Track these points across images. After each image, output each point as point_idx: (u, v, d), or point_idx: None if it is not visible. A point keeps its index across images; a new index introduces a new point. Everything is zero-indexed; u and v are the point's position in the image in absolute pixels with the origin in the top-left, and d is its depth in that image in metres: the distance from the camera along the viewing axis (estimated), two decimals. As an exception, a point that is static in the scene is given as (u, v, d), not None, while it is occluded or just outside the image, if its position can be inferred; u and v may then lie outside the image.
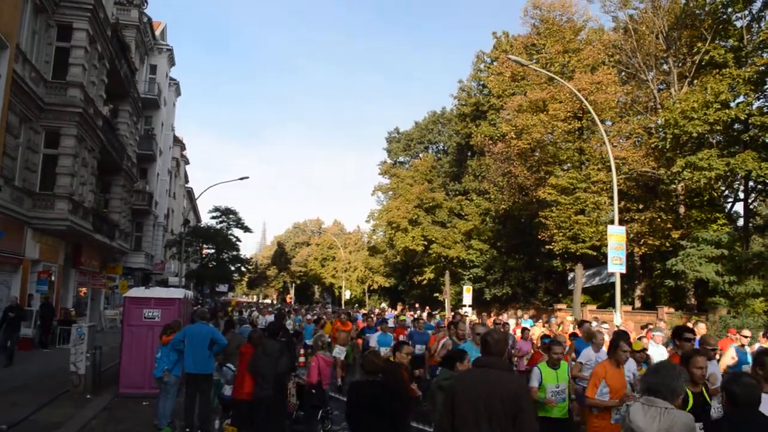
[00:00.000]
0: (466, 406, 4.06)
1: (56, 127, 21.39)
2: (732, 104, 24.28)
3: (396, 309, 39.15)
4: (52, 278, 22.42)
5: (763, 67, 23.53)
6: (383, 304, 56.23)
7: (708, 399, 5.51)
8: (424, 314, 21.92)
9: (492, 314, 29.76)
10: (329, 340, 15.23)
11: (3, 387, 12.64)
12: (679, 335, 6.81)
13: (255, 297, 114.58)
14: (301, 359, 12.01)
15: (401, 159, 58.97)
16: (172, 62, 45.62)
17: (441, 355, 8.92)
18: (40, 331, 19.94)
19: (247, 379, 8.26)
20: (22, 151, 19.81)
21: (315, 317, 21.46)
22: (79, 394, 12.03)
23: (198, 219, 71.36)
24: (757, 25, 25.17)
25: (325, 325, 17.40)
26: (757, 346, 10.45)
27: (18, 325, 16.77)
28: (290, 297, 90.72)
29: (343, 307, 49.85)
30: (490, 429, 3.94)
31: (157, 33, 42.45)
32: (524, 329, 13.47)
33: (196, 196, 63.80)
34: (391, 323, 17.20)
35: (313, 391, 8.70)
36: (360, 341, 14.56)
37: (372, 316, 18.70)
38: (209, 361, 9.83)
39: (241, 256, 49.14)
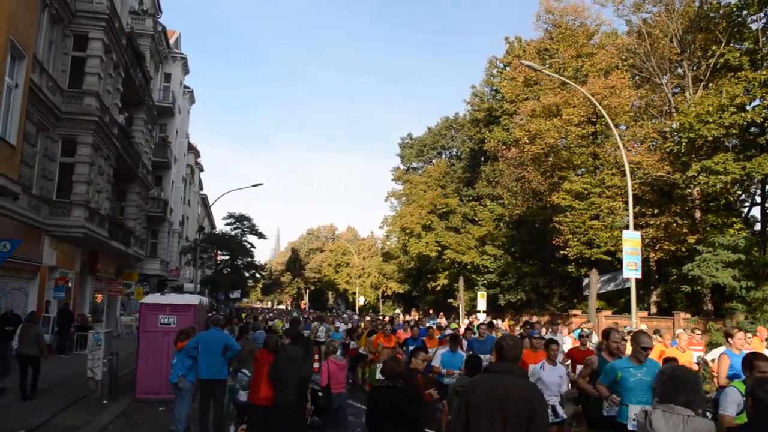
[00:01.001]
0: (481, 411, 4.07)
1: (73, 135, 21.63)
2: (748, 107, 24.04)
3: (410, 315, 38.98)
4: (69, 285, 22.62)
5: (779, 70, 23.31)
6: (397, 310, 56.11)
7: None
8: (480, 318, 20.92)
9: (507, 320, 29.58)
10: (370, 356, 14.00)
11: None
12: None
13: (269, 303, 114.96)
14: (315, 365, 12.03)
15: (414, 165, 58.94)
16: (186, 70, 46.00)
17: (584, 375, 7.49)
18: (58, 337, 20.14)
19: (263, 384, 8.30)
20: (39, 159, 20.05)
21: (349, 326, 19.86)
22: (96, 399, 12.14)
23: (213, 226, 71.74)
24: (772, 28, 24.97)
25: (361, 336, 15.90)
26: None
27: (13, 335, 13.78)
28: (304, 303, 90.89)
29: (357, 313, 49.51)
30: None
31: (171, 42, 42.83)
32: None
33: (210, 203, 64.14)
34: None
35: (320, 394, 8.75)
36: (401, 356, 12.30)
37: (415, 325, 15.67)
38: (223, 367, 9.88)
39: (256, 263, 49.40)
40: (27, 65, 17.05)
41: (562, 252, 30.98)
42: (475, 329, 14.61)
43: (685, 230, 27.12)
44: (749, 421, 3.73)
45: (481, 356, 10.13)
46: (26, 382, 12.37)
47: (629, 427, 5.85)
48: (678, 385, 3.62)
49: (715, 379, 8.23)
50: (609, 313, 30.55)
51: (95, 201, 23.39)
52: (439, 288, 49.16)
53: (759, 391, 3.64)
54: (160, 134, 40.19)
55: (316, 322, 21.65)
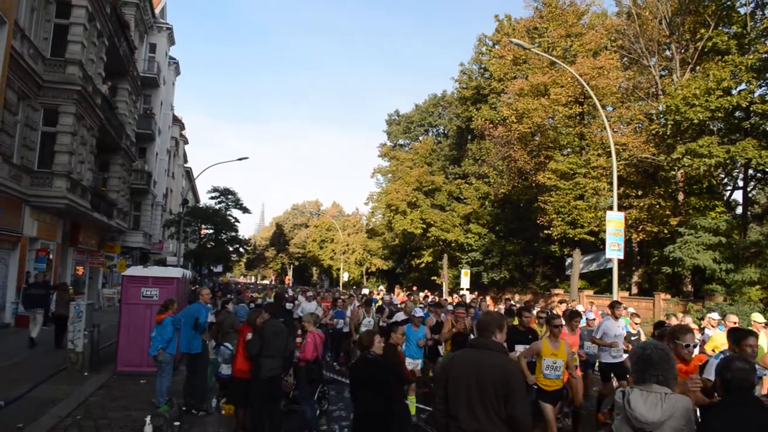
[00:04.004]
0: (458, 386, 4.13)
1: (55, 104, 21.28)
2: (734, 91, 24.16)
3: (394, 292, 39.17)
4: (50, 256, 22.43)
5: (765, 55, 23.37)
6: (381, 287, 56.38)
7: None
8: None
9: (490, 298, 29.78)
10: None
11: (1, 363, 12.71)
12: None
13: (253, 278, 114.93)
14: (298, 339, 12.06)
15: (401, 142, 58.82)
16: (171, 41, 45.29)
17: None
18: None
19: (245, 358, 8.29)
20: (20, 128, 19.73)
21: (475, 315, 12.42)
22: (77, 371, 12.10)
23: (197, 199, 71.27)
24: (761, 12, 24.99)
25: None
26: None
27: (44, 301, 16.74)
28: (288, 278, 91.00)
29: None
30: (482, 409, 4.00)
31: (157, 11, 42.08)
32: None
33: (195, 176, 63.65)
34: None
35: (313, 366, 8.81)
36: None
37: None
38: (194, 340, 9.82)
39: (240, 237, 49.10)
40: (8, 32, 16.71)
41: (546, 231, 31.16)
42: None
43: (667, 212, 27.36)
44: (719, 401, 3.80)
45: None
46: (62, 336, 14.93)
47: None
48: (649, 365, 3.67)
49: None
50: (591, 292, 30.89)
51: (77, 172, 23.11)
52: (423, 265, 49.39)
53: (726, 371, 3.69)
54: (144, 105, 39.65)
55: (354, 308, 15.73)
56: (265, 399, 7.85)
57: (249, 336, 8.20)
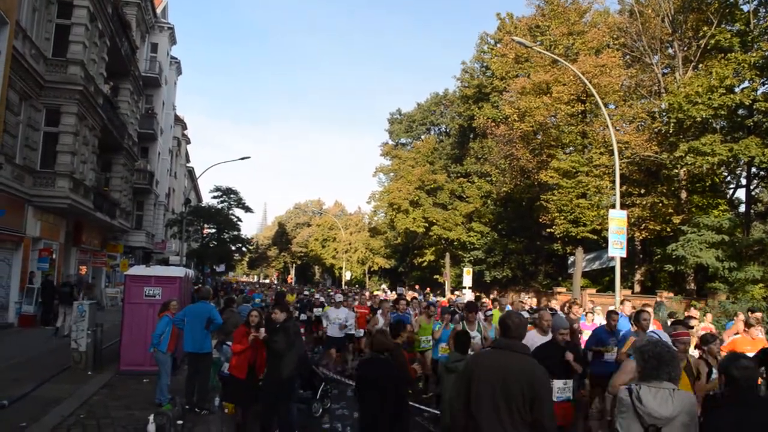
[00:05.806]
0: (483, 388, 4.05)
1: (57, 104, 21.30)
2: (737, 89, 24.09)
3: (397, 290, 39.10)
4: (53, 256, 22.45)
5: (768, 52, 23.33)
6: (383, 286, 56.40)
7: None
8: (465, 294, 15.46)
9: (491, 296, 29.73)
10: None
11: (4, 363, 12.72)
12: None
13: (255, 277, 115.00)
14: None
15: (403, 140, 58.76)
16: (173, 41, 45.27)
17: None
18: (42, 309, 20.01)
19: (245, 358, 8.24)
20: (22, 128, 19.75)
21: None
22: (80, 370, 12.11)
23: (199, 198, 71.22)
24: (764, 10, 24.90)
25: None
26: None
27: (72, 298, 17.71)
28: (291, 277, 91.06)
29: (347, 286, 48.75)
30: (508, 412, 3.94)
31: (158, 11, 42.08)
32: None
33: (197, 176, 63.67)
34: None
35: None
36: None
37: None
38: (206, 340, 9.83)
39: (242, 236, 49.08)
40: (9, 32, 16.72)
41: (548, 230, 31.15)
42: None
43: (670, 210, 27.31)
44: (724, 399, 3.83)
45: None
46: None
47: None
48: (662, 362, 3.71)
49: None
50: (593, 291, 30.83)
51: (80, 172, 23.14)
52: (425, 264, 49.39)
53: (733, 368, 3.72)
54: (146, 105, 39.68)
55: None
56: (279, 399, 7.76)
57: (261, 333, 8.08)
